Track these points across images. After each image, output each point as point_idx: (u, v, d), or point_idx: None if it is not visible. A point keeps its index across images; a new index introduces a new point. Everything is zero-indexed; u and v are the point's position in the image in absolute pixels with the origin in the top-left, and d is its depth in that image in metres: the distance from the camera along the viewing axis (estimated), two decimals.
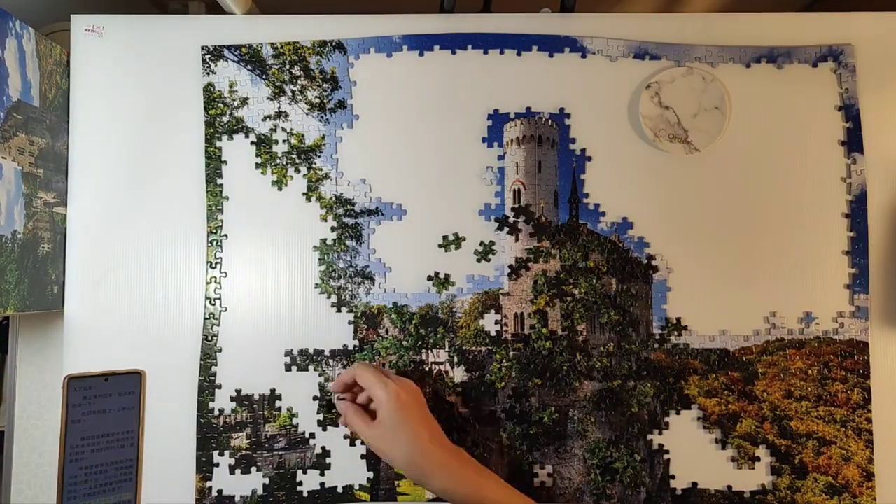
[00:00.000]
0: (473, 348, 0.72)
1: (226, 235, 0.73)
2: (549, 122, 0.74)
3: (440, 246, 0.73)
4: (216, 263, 0.72)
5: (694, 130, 0.73)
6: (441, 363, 0.72)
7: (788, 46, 0.74)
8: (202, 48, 0.74)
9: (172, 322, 0.72)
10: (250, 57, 0.74)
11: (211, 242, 0.73)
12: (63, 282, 0.72)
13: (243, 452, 0.71)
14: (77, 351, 0.71)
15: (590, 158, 0.74)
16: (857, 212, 0.72)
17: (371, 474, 0.71)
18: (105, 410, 0.69)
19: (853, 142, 0.73)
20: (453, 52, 0.75)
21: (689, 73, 0.73)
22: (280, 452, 0.71)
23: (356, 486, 0.71)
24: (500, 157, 0.74)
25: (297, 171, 0.74)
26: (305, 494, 0.70)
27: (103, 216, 0.73)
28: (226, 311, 0.72)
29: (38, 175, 0.68)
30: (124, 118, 0.74)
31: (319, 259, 0.73)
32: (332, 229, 0.73)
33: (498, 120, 0.74)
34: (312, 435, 0.71)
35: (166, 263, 0.73)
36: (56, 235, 0.71)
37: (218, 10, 0.77)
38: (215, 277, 0.72)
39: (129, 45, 0.74)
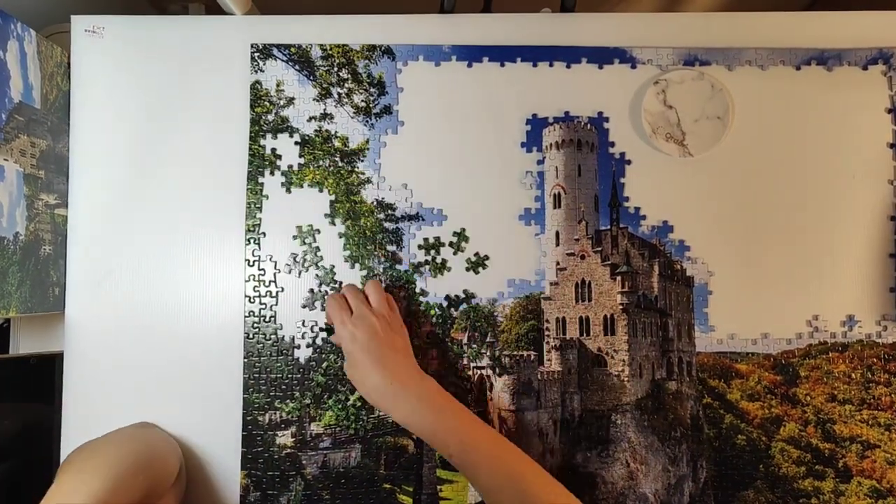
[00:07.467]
0: (515, 353, 0.73)
1: (264, 234, 0.73)
2: (588, 126, 0.74)
3: None
4: (254, 262, 0.73)
5: (691, 135, 0.72)
6: (482, 368, 0.73)
7: (839, 49, 0.73)
8: (252, 45, 0.74)
9: (176, 319, 0.72)
10: (299, 57, 0.75)
11: (249, 240, 0.73)
12: (64, 284, 0.72)
13: (288, 450, 0.72)
14: (78, 353, 0.71)
15: (629, 162, 0.74)
16: None
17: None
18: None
19: None
20: (502, 65, 0.74)
21: (700, 77, 0.72)
22: (325, 451, 0.72)
23: (398, 490, 0.72)
24: (539, 162, 0.74)
25: (339, 174, 0.74)
26: (350, 495, 0.71)
27: (104, 218, 0.73)
28: (265, 307, 0.72)
29: (39, 177, 0.68)
30: (125, 119, 0.73)
31: (360, 264, 0.73)
32: (374, 233, 0.74)
33: (536, 125, 0.74)
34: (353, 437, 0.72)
35: (166, 263, 0.73)
36: (57, 237, 0.71)
37: (218, 10, 0.76)
38: (254, 275, 0.73)
39: (130, 46, 0.74)
